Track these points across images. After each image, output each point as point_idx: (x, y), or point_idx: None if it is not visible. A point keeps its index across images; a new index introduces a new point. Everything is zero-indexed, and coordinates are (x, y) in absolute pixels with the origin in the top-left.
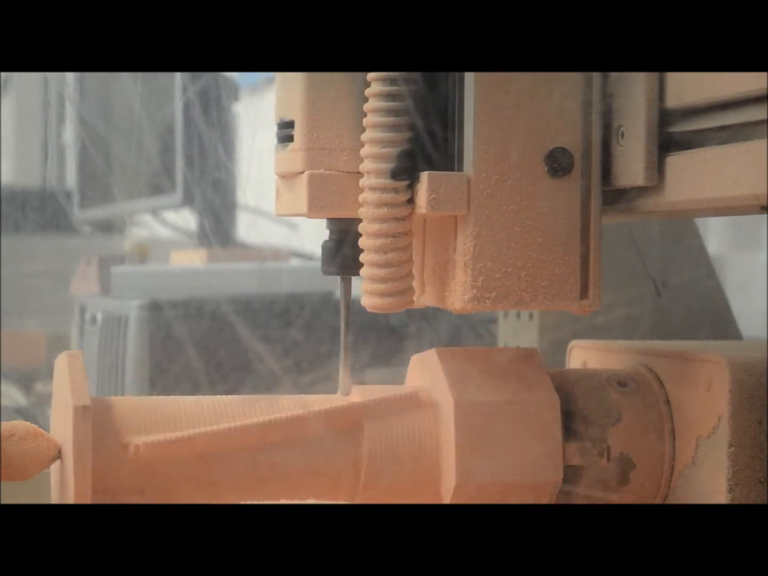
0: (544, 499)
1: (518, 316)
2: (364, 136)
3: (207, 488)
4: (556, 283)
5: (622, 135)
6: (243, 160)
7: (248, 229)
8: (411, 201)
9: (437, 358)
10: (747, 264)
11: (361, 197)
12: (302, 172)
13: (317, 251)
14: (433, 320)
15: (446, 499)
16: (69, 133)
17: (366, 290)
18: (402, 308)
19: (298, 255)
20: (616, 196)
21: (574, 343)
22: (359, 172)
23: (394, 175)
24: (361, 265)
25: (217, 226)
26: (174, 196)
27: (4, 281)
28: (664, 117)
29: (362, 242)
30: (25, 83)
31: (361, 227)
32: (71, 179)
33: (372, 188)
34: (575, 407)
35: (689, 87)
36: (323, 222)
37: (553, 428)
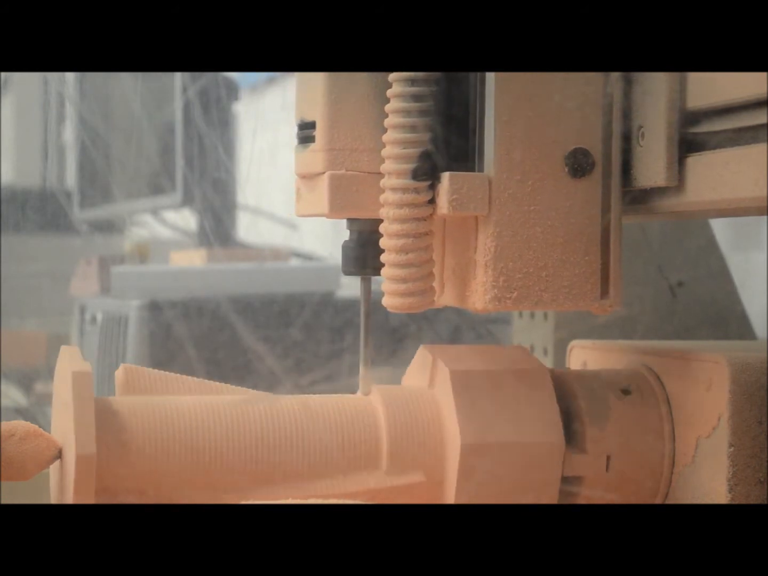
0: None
1: (532, 315)
2: (385, 137)
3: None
4: (576, 283)
5: (643, 135)
6: (243, 160)
7: (248, 229)
8: (432, 201)
9: (450, 382)
10: (747, 264)
11: (382, 198)
12: (323, 173)
13: (317, 251)
14: (433, 320)
15: None
16: (69, 133)
17: (387, 290)
18: (423, 308)
19: (298, 255)
20: (636, 197)
21: (574, 343)
22: (380, 173)
23: (416, 175)
24: (382, 265)
25: (217, 226)
26: (174, 196)
27: (4, 281)
28: (685, 118)
29: (383, 242)
30: (25, 83)
31: (382, 227)
32: (71, 179)
33: (393, 189)
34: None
35: (710, 88)
36: (324, 223)
37: (554, 472)
